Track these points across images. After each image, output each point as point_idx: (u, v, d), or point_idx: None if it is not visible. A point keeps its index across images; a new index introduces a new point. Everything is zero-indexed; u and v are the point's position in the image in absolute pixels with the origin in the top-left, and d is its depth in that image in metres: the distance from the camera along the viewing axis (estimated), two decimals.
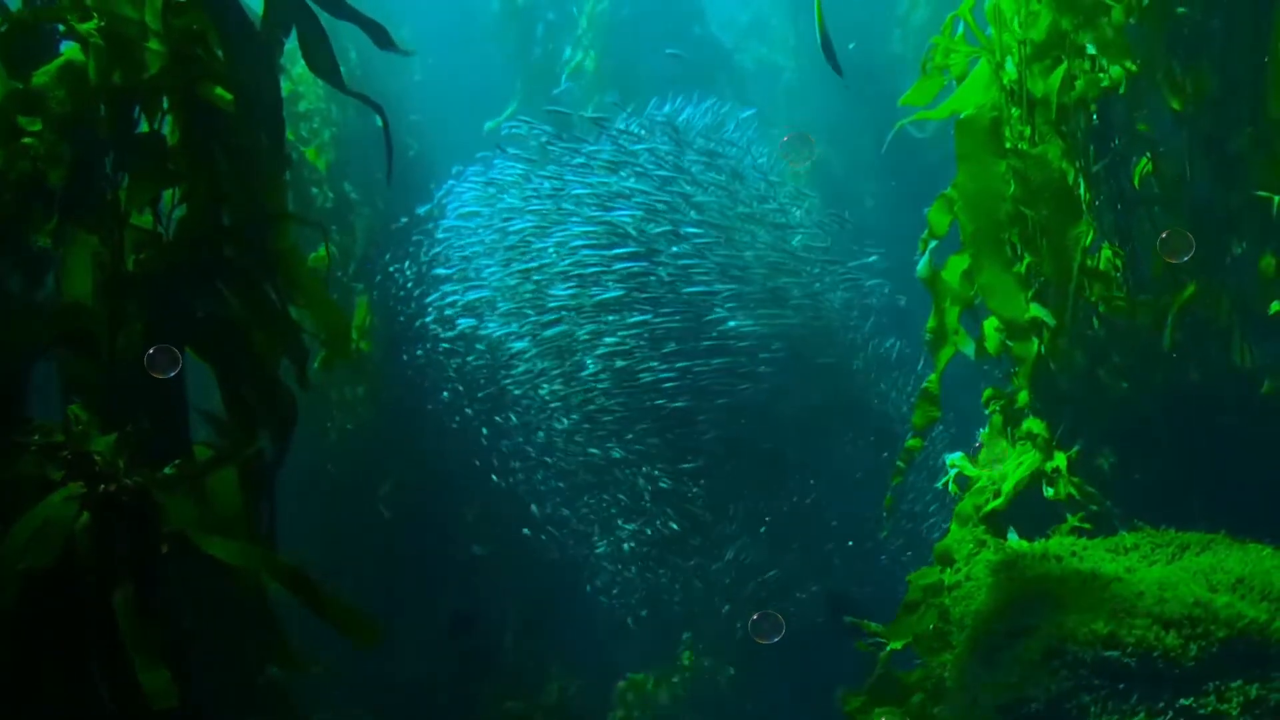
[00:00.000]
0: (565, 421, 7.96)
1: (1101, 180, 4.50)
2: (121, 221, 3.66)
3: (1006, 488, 4.55)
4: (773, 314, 7.79)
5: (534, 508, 8.38)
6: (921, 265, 4.83)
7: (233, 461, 3.54)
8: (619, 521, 8.25)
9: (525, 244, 7.88)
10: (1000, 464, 4.77)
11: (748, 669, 8.00)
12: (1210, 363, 4.33)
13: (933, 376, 4.98)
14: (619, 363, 7.59)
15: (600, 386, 7.68)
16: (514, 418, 8.21)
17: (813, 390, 7.93)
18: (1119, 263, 4.54)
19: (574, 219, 7.69)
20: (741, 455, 7.85)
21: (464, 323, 8.22)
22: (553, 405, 7.98)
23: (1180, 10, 4.21)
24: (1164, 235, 4.21)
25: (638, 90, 8.71)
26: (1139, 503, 4.25)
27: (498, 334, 8.05)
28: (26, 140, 3.56)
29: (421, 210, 8.67)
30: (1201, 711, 3.01)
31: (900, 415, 8.17)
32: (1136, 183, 4.52)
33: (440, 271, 8.41)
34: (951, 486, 4.97)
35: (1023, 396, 4.76)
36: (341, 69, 3.97)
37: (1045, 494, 4.47)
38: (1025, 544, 4.11)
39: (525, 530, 8.35)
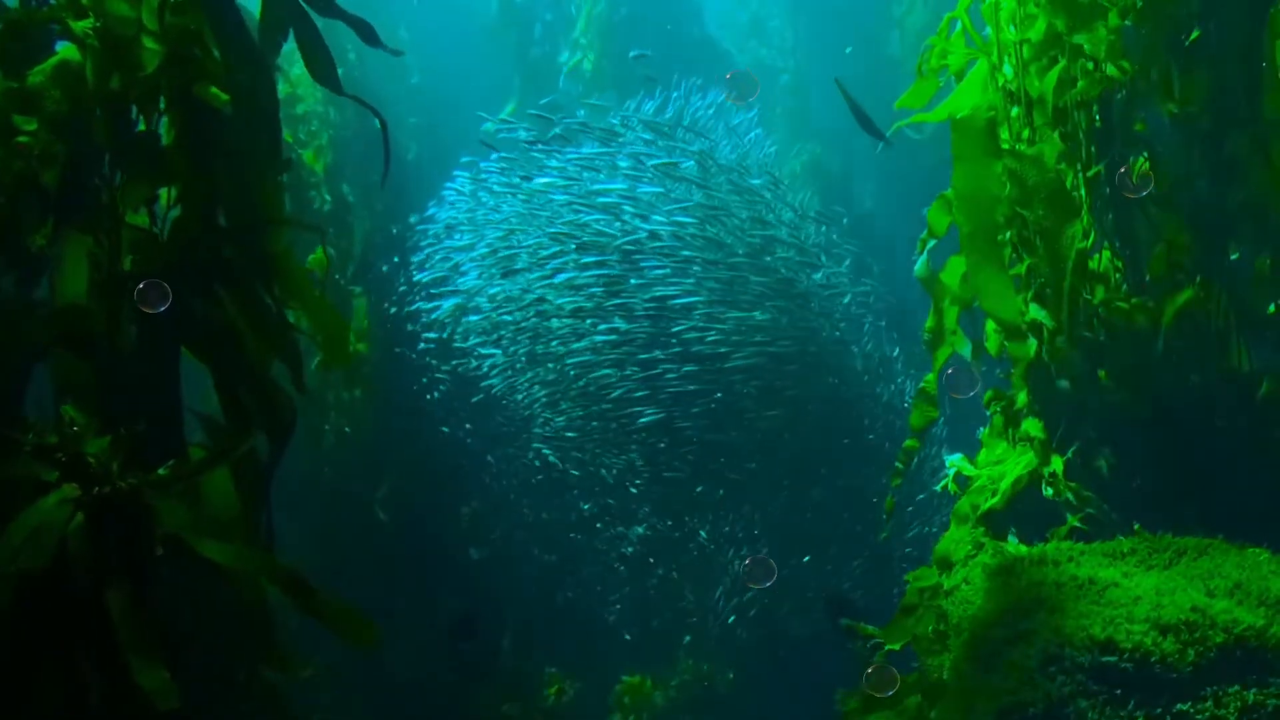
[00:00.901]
0: (562, 420, 7.95)
1: (1101, 181, 4.49)
2: (118, 221, 3.65)
3: (1004, 486, 4.55)
4: (772, 312, 7.78)
5: (529, 511, 8.38)
6: (919, 265, 4.83)
7: (224, 461, 3.52)
8: (618, 525, 8.25)
9: (513, 252, 7.88)
10: (1000, 464, 4.76)
11: (746, 672, 8.00)
12: (1208, 365, 4.32)
13: (929, 376, 4.98)
14: (612, 372, 7.58)
15: (597, 390, 7.68)
16: (506, 419, 8.21)
17: (810, 391, 7.92)
18: (1118, 264, 4.53)
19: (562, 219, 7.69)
20: (739, 459, 7.84)
21: (464, 320, 8.23)
22: (545, 414, 7.98)
23: (1176, 12, 4.20)
24: (1122, 169, 4.22)
25: (635, 91, 8.70)
26: (1137, 505, 4.23)
27: (480, 343, 8.06)
28: (22, 139, 3.55)
29: (413, 219, 8.67)
30: (1199, 717, 3.00)
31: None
32: (1135, 183, 4.51)
33: (421, 277, 8.42)
34: (951, 485, 4.97)
35: (1021, 398, 4.75)
36: (339, 71, 3.96)
37: (1045, 493, 4.46)
38: (1023, 548, 4.09)
39: (522, 533, 8.35)
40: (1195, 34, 4.19)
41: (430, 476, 8.36)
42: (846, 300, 8.31)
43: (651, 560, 8.23)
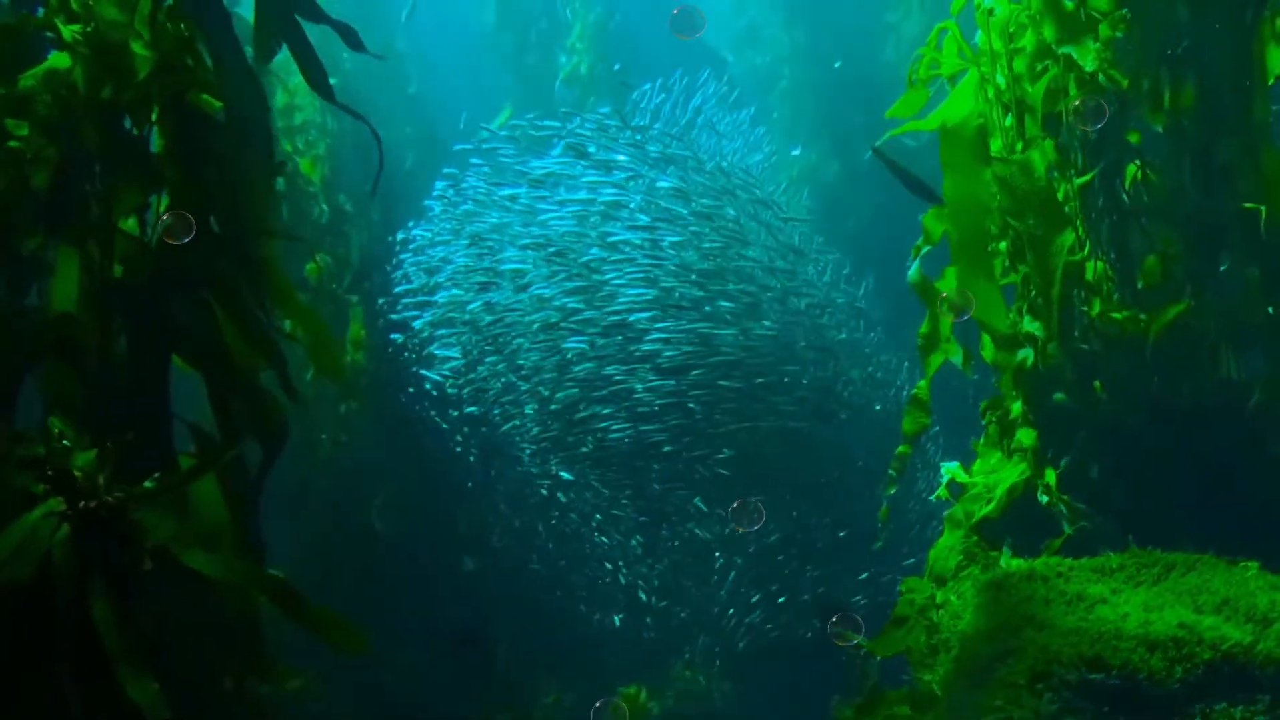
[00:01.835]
0: (555, 428, 7.94)
1: (1092, 191, 4.48)
2: (110, 228, 3.64)
3: (999, 494, 4.53)
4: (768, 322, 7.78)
5: (519, 520, 8.37)
6: (912, 271, 4.81)
7: (209, 470, 3.51)
8: (614, 534, 8.23)
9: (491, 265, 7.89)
10: (995, 473, 4.75)
11: (742, 682, 7.97)
12: (1200, 375, 4.30)
13: (922, 383, 4.96)
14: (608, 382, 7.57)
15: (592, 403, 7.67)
16: (498, 422, 8.19)
17: (802, 399, 7.91)
18: (1110, 274, 4.52)
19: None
20: (735, 466, 7.83)
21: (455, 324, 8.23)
22: (538, 428, 7.97)
23: (1166, 21, 4.20)
24: (1076, 103, 4.19)
25: (631, 95, 8.69)
26: (1128, 516, 4.22)
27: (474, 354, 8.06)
28: (12, 144, 3.54)
29: (400, 235, 8.68)
30: None
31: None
32: (1128, 190, 4.51)
33: (403, 288, 8.43)
34: (942, 492, 4.95)
35: (1015, 407, 4.74)
36: (335, 80, 3.95)
37: (1040, 500, 4.45)
38: (1013, 562, 4.08)
39: (517, 543, 8.33)
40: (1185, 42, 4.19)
41: (427, 486, 8.35)
42: (842, 302, 8.32)
43: (648, 570, 8.21)
